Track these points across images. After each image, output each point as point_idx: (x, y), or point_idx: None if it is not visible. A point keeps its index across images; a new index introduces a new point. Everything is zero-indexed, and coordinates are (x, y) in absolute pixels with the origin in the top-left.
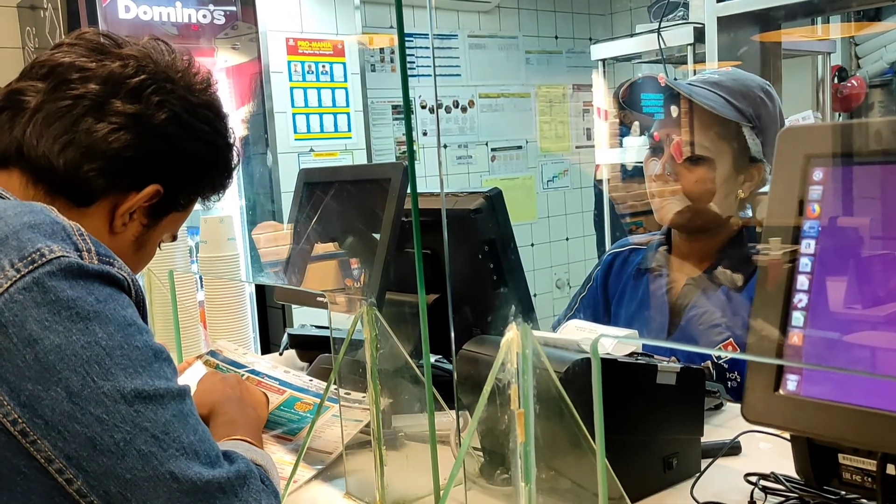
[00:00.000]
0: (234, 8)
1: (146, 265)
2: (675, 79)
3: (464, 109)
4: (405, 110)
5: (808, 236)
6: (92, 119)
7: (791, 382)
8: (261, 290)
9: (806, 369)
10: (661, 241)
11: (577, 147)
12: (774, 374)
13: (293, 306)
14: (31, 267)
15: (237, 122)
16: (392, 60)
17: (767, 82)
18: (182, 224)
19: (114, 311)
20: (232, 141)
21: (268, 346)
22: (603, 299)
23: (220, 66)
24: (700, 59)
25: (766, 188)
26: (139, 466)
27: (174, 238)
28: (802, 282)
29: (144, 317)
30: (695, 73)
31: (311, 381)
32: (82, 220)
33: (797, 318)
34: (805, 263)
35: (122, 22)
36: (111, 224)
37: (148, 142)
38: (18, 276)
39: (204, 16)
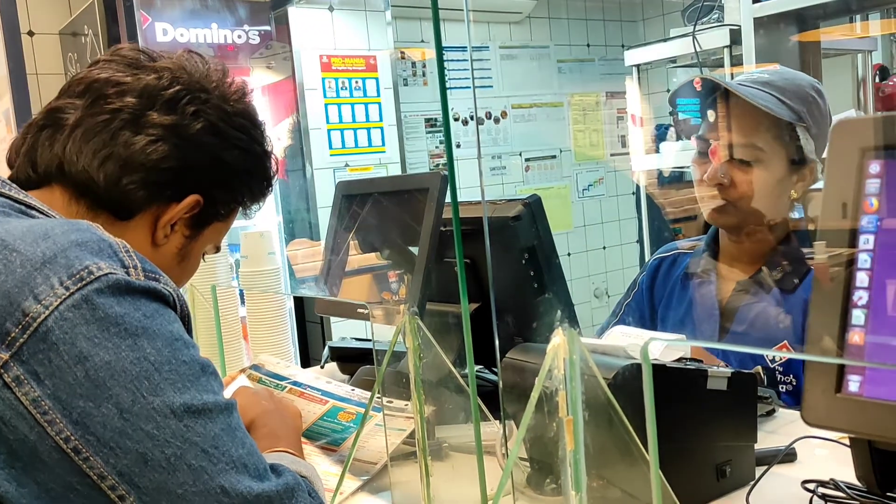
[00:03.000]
0: (268, 27)
1: (190, 277)
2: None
3: (496, 120)
4: (444, 121)
5: (867, 231)
6: (129, 132)
7: (853, 383)
8: (300, 305)
9: (869, 369)
10: (709, 244)
11: (612, 155)
12: (835, 375)
13: (332, 321)
14: (79, 285)
15: (276, 140)
16: (424, 74)
17: (817, 80)
18: (225, 234)
19: (161, 326)
20: (269, 149)
21: (307, 359)
22: (649, 305)
23: (255, 85)
24: (737, 61)
25: (817, 185)
26: (190, 481)
27: (218, 249)
28: (862, 279)
29: (190, 331)
30: (732, 76)
31: (353, 390)
32: (125, 234)
33: (857, 316)
34: (864, 260)
35: (160, 45)
36: (153, 236)
37: (185, 152)
38: (68, 293)
39: (239, 36)
